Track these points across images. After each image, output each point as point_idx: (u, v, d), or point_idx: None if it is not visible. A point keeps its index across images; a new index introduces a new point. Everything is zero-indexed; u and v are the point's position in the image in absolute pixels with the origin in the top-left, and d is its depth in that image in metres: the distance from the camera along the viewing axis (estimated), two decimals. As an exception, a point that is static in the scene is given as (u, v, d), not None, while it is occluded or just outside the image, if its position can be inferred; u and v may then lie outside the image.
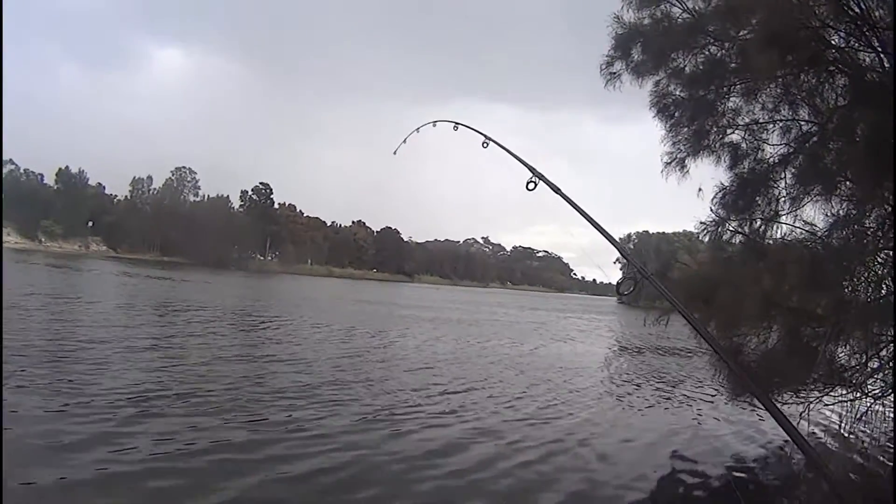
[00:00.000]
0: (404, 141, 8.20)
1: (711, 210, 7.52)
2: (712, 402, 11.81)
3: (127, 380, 9.44)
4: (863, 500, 4.96)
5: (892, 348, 5.86)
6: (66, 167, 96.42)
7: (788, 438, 3.77)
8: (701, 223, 7.61)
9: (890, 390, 6.06)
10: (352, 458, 6.93)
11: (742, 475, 7.83)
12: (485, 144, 6.22)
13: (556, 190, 5.09)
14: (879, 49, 5.49)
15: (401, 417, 8.95)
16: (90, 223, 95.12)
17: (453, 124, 7.09)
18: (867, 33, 5.49)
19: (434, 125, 7.58)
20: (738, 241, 7.57)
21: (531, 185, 5.05)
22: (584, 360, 19.31)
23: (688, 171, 7.86)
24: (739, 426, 9.99)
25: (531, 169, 5.14)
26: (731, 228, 7.56)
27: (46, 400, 7.88)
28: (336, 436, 7.69)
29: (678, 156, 7.90)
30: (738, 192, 7.40)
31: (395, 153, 8.30)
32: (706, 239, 7.78)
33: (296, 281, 72.94)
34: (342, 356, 14.41)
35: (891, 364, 5.95)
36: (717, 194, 7.50)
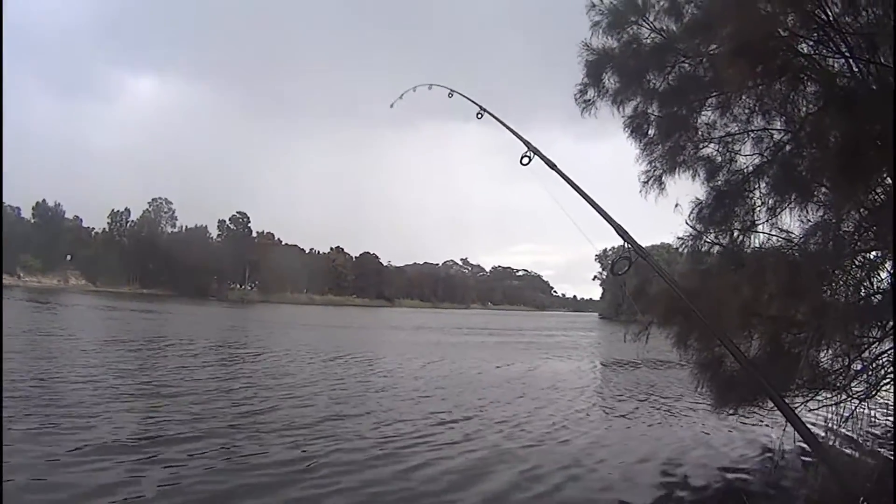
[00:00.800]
0: (400, 97, 8.05)
1: (688, 224, 7.59)
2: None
3: (120, 422, 9.04)
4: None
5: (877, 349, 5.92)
6: (43, 200, 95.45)
7: (794, 443, 3.77)
8: (678, 238, 7.68)
9: (874, 391, 6.11)
10: (368, 498, 6.68)
11: (751, 481, 7.81)
12: (479, 115, 6.17)
13: (552, 165, 5.00)
14: (848, 54, 5.59)
15: (411, 450, 8.61)
16: (69, 257, 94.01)
17: (448, 91, 7.02)
18: (836, 39, 5.59)
19: (430, 88, 7.51)
20: (715, 252, 7.64)
21: (525, 160, 4.95)
22: (581, 377, 19.27)
23: (665, 188, 7.94)
24: (748, 434, 10.00)
25: (526, 143, 5.04)
26: (708, 241, 7.63)
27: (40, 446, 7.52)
28: (349, 473, 7.39)
29: (655, 174, 7.99)
30: (715, 204, 7.50)
31: (391, 106, 8.17)
32: (684, 252, 7.85)
33: (278, 310, 72.26)
34: (340, 387, 14.12)
35: (874, 365, 6.01)
36: (693, 209, 7.58)
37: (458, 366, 21.07)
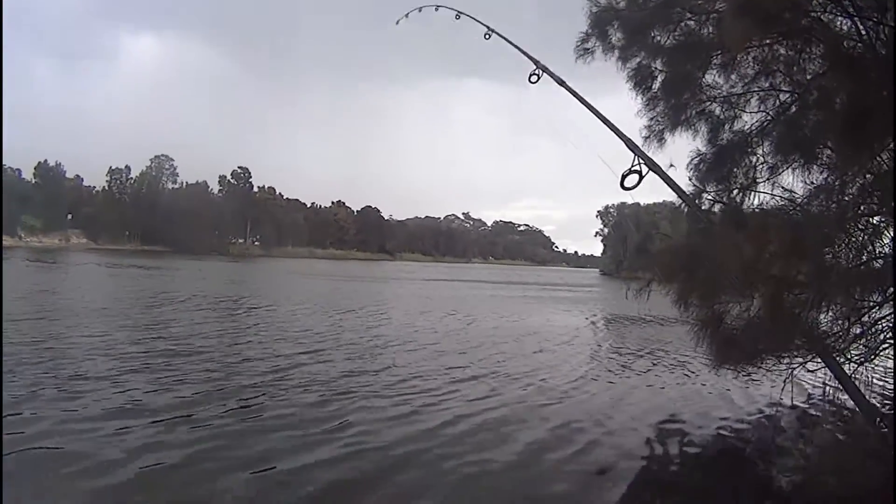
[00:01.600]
0: (406, 16, 8.00)
1: (689, 180, 7.54)
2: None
3: (139, 384, 9.03)
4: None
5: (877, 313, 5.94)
6: (44, 161, 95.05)
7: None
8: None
9: (873, 355, 6.15)
10: (403, 457, 6.69)
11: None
12: (487, 36, 6.16)
13: (561, 82, 4.97)
14: (855, 15, 5.48)
15: (436, 407, 8.68)
16: (69, 216, 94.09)
17: (455, 13, 6.94)
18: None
19: (436, 9, 7.42)
20: (717, 209, 7.61)
21: (534, 78, 4.94)
22: (596, 332, 19.71)
23: (664, 144, 7.87)
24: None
25: (535, 61, 5.02)
26: (709, 198, 7.59)
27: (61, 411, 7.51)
28: (378, 432, 7.44)
29: (656, 128, 7.90)
30: (716, 160, 7.43)
31: (397, 23, 8.10)
32: (685, 209, 7.82)
33: (281, 263, 72.60)
34: (357, 341, 14.41)
35: (873, 329, 6.03)
36: (692, 160, 7.52)
37: (471, 319, 21.65)
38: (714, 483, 6.56)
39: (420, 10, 7.72)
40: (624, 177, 3.65)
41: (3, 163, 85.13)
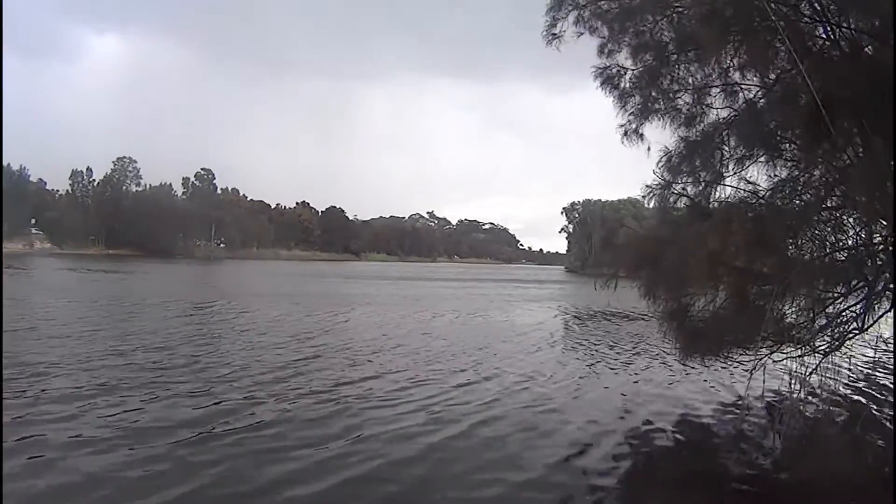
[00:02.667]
0: None
1: (655, 174, 7.61)
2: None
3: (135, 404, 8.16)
4: None
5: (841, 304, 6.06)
6: (8, 165, 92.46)
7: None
8: (647, 186, 7.70)
9: (838, 345, 6.26)
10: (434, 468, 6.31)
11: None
12: None
13: None
14: (818, 20, 5.58)
15: (448, 415, 8.20)
16: (33, 221, 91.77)
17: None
18: (811, 2, 5.57)
19: None
20: (683, 203, 7.68)
21: None
22: (584, 331, 19.37)
23: (642, 138, 7.98)
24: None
25: None
26: (676, 191, 7.67)
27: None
28: (398, 442, 7.00)
29: (631, 126, 8.00)
30: (685, 154, 7.50)
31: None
32: (652, 203, 7.89)
33: (247, 265, 71.75)
34: (350, 346, 13.81)
35: (837, 321, 6.15)
36: (662, 158, 7.60)
37: (459, 318, 21.64)
38: (683, 473, 6.56)
39: None
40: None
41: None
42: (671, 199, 7.71)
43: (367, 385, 9.67)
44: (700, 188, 7.48)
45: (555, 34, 8.11)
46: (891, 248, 5.65)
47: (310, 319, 18.94)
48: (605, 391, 10.11)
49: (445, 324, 19.68)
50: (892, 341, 11.77)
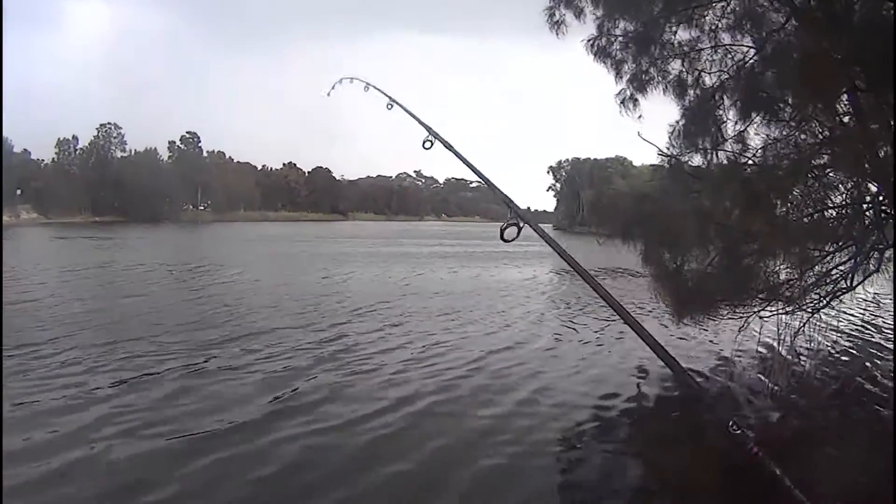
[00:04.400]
0: (328, 94, 7.86)
1: (671, 143, 7.63)
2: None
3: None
4: None
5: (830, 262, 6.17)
6: None
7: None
8: (659, 154, 7.68)
9: (825, 303, 6.39)
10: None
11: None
12: (389, 106, 6.07)
13: (449, 147, 5.08)
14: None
15: (488, 384, 8.05)
16: (19, 191, 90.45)
17: (364, 84, 6.89)
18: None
19: (351, 82, 7.30)
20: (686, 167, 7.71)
21: (427, 145, 5.02)
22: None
23: (639, 106, 7.98)
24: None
25: (428, 129, 5.09)
26: (688, 161, 7.70)
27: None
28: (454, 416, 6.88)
29: (627, 93, 8.00)
30: (687, 122, 7.52)
31: (328, 95, 7.99)
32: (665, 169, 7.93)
33: (235, 228, 71.46)
34: (368, 311, 13.81)
35: (826, 279, 6.27)
36: (673, 129, 7.62)
37: (468, 277, 22.65)
38: (670, 429, 6.69)
39: (333, 87, 7.25)
40: (503, 231, 3.75)
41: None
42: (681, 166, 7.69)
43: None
44: (705, 155, 7.50)
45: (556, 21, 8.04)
46: (882, 207, 5.75)
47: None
48: (598, 347, 10.32)
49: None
50: (879, 300, 12.05)
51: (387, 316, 13.03)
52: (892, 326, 10.12)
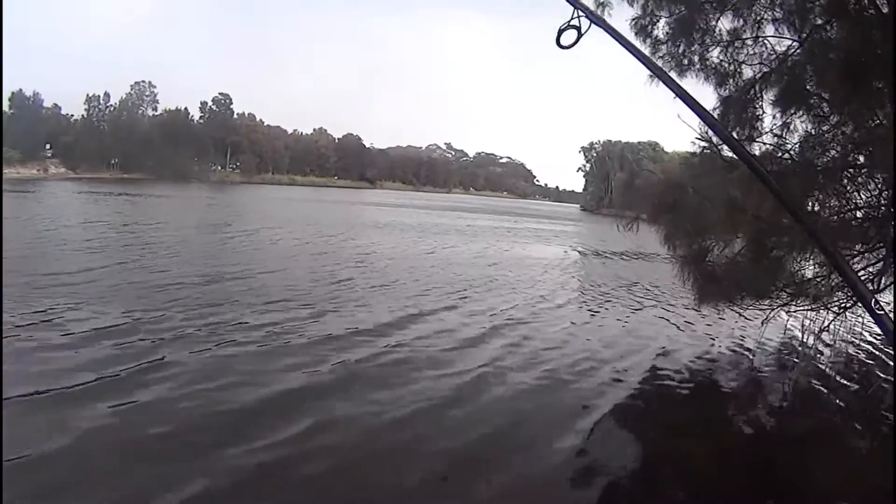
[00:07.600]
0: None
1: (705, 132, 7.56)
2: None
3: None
4: None
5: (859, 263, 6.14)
6: (20, 90, 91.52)
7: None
8: (697, 139, 7.59)
9: (852, 303, 6.36)
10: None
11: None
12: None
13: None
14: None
15: (533, 363, 8.38)
16: (48, 146, 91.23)
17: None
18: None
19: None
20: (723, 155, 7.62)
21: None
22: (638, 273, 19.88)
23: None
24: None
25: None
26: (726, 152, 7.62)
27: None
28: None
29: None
30: (724, 111, 7.42)
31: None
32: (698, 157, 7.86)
33: (264, 190, 72.01)
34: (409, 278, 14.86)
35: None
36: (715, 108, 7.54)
37: (509, 255, 23.32)
38: (693, 417, 6.75)
39: None
40: (560, 33, 2.92)
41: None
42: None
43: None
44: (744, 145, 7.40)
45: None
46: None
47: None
48: (623, 330, 10.40)
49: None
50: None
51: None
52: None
